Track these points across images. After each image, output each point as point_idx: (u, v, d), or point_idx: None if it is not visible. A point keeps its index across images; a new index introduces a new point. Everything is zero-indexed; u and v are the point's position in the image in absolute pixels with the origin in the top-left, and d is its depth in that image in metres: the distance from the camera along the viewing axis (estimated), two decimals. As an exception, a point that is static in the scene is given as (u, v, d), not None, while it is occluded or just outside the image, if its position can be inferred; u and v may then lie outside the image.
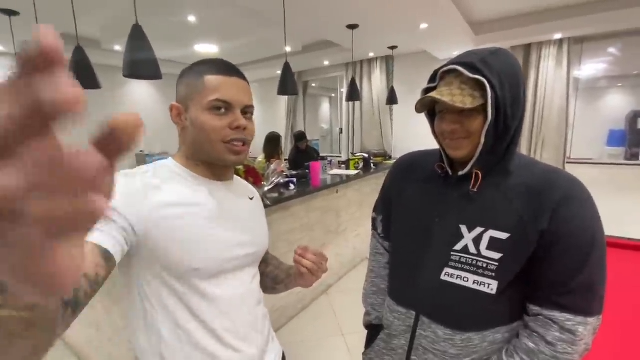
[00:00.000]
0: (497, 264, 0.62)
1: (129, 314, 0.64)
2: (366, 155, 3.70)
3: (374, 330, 0.87)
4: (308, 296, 2.64)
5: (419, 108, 0.69)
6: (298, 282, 0.77)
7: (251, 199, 0.78)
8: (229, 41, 4.18)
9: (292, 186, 2.47)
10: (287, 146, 5.73)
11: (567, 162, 3.89)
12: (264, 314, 0.75)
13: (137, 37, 1.58)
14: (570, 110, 3.79)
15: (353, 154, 4.46)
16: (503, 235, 0.62)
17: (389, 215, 0.86)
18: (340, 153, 5.74)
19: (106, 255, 0.48)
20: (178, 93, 0.66)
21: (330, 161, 3.48)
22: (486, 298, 0.64)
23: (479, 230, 0.65)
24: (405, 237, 0.79)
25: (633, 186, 3.50)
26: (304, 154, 4.01)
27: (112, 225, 0.50)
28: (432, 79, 0.70)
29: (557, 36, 3.62)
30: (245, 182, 0.82)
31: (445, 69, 0.65)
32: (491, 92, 0.59)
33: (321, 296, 2.79)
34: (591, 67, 3.96)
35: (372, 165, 3.72)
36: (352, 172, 3.28)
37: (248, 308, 0.69)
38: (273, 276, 0.80)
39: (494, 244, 0.63)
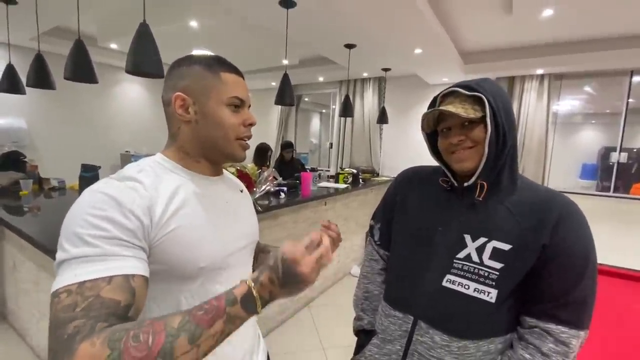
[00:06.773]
0: (497, 273, 0.65)
1: None
2: (355, 171, 3.76)
3: (365, 335, 0.87)
4: (290, 308, 2.60)
5: (425, 126, 0.75)
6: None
7: (241, 191, 0.78)
8: (226, 49, 4.22)
9: (282, 195, 2.48)
10: (276, 157, 5.74)
11: (545, 191, 4.06)
12: None
13: (144, 34, 1.59)
14: (549, 142, 4.00)
15: (342, 168, 4.52)
16: (506, 247, 0.65)
17: (389, 222, 0.88)
18: (328, 167, 5.79)
19: (146, 282, 0.51)
20: (180, 85, 0.61)
21: (320, 174, 3.51)
22: (485, 306, 0.66)
23: (482, 240, 0.68)
24: (407, 243, 0.80)
25: (603, 217, 3.70)
26: (288, 165, 3.94)
27: (139, 251, 0.51)
28: (432, 104, 0.76)
29: (539, 71, 3.86)
30: (232, 176, 0.80)
31: (445, 91, 0.73)
32: (488, 106, 0.66)
33: (303, 309, 2.75)
34: (568, 103, 4.22)
35: (360, 180, 3.78)
36: (341, 185, 3.32)
37: None
38: None
39: (496, 254, 0.66)
